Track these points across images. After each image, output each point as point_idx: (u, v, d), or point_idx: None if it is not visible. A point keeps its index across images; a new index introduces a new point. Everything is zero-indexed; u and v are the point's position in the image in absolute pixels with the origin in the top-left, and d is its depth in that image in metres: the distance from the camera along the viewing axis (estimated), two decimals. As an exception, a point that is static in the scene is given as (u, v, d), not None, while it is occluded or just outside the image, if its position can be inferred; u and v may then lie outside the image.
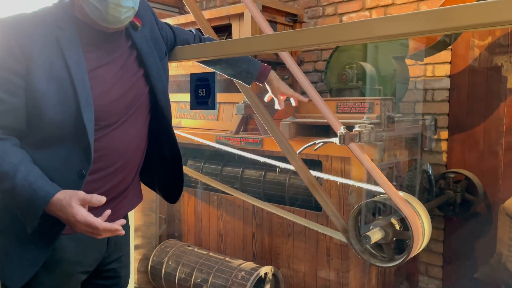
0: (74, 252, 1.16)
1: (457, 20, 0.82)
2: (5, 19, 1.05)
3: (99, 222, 0.99)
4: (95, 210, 1.03)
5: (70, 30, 1.08)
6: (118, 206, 1.22)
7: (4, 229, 1.12)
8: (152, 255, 2.80)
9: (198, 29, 1.62)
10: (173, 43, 1.40)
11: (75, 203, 0.98)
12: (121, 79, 1.15)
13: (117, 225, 1.02)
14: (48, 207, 0.99)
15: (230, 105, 2.70)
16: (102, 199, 1.00)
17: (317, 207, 2.27)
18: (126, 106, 1.16)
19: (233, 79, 1.55)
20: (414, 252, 1.64)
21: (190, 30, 1.52)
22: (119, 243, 1.32)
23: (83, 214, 0.98)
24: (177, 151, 1.32)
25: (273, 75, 1.52)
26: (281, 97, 1.56)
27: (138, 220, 2.84)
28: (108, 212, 1.04)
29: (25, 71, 1.03)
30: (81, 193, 1.00)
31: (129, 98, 1.17)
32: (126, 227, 1.36)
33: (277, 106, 1.59)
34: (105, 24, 1.08)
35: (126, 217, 1.36)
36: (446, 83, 2.72)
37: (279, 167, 2.15)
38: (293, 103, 1.60)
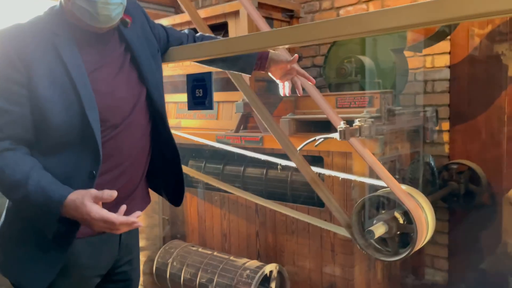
0: (89, 256, 1.17)
1: (456, 10, 0.81)
2: (1, 31, 1.06)
3: (115, 216, 1.00)
4: (111, 209, 1.04)
5: (65, 35, 1.09)
6: (127, 208, 1.22)
7: (20, 237, 1.13)
8: (157, 257, 2.80)
9: (193, 29, 1.61)
10: (166, 41, 1.39)
11: (88, 201, 0.99)
12: (121, 79, 1.16)
13: (133, 217, 1.03)
14: (63, 209, 1.00)
15: (229, 104, 2.69)
16: (114, 193, 1.00)
17: (320, 203, 2.26)
18: (128, 106, 1.17)
19: (233, 72, 1.53)
20: (418, 245, 1.63)
21: (184, 31, 1.51)
22: (130, 246, 1.33)
23: (97, 211, 0.99)
24: (175, 150, 1.32)
25: (273, 54, 1.45)
26: (287, 83, 1.48)
27: (142, 222, 2.82)
28: (124, 207, 1.05)
29: (27, 80, 1.04)
30: (93, 191, 1.01)
31: (130, 97, 1.18)
32: (135, 229, 1.37)
33: (281, 91, 1.50)
34: (97, 24, 1.09)
35: None
36: (446, 73, 2.70)
37: (280, 164, 2.14)
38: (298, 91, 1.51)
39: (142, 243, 2.86)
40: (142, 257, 2.87)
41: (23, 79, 1.03)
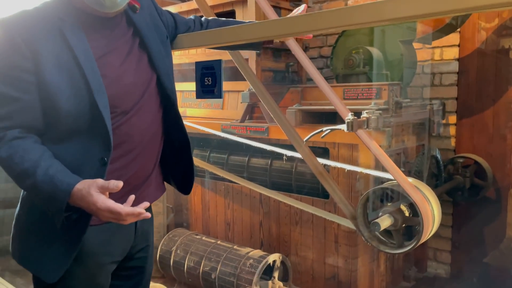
0: (104, 243, 1.17)
1: (468, 1, 0.79)
2: (8, 18, 1.05)
3: (121, 207, 0.99)
4: (120, 198, 1.04)
5: (72, 20, 1.08)
6: (141, 195, 1.22)
7: (34, 225, 1.13)
8: (161, 244, 2.82)
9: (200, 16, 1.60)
10: (174, 28, 1.39)
11: (94, 191, 0.99)
12: (130, 65, 1.15)
13: (140, 208, 1.02)
14: (71, 199, 1.00)
15: (235, 94, 2.68)
16: (119, 184, 0.99)
17: (325, 195, 2.25)
18: (138, 91, 1.16)
19: (242, 49, 1.53)
20: (424, 238, 1.63)
21: (190, 17, 1.51)
22: (146, 233, 1.33)
23: (103, 201, 0.99)
24: (186, 138, 1.32)
25: None
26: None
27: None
28: (132, 197, 1.04)
29: (34, 67, 1.03)
30: (99, 181, 1.00)
31: (140, 83, 1.17)
32: (150, 217, 1.37)
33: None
34: (103, 9, 1.07)
35: (150, 208, 1.36)
36: (455, 66, 2.67)
37: (285, 155, 2.13)
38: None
39: (146, 230, 2.88)
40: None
41: (30, 66, 1.03)
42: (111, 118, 1.08)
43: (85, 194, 0.99)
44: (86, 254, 1.14)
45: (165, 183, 1.38)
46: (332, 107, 1.67)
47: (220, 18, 1.54)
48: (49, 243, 1.11)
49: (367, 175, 1.98)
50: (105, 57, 1.11)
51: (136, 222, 1.23)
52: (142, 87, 1.17)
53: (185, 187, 1.38)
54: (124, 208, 1.00)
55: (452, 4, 0.78)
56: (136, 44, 1.19)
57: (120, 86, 1.12)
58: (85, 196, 0.99)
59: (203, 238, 2.74)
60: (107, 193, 1.01)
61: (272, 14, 1.66)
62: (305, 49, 2.95)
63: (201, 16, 1.54)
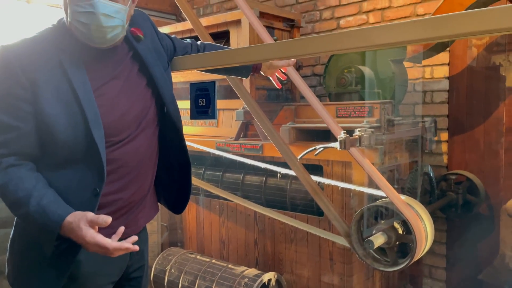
0: (101, 263, 1.18)
1: (453, 28, 0.83)
2: (7, 47, 1.07)
3: (109, 242, 1.01)
4: (114, 220, 1.05)
5: (71, 50, 1.10)
6: (138, 216, 1.24)
7: (26, 249, 1.15)
8: (155, 264, 2.80)
9: (194, 37, 1.63)
10: (173, 52, 1.41)
11: (83, 225, 1.00)
12: (127, 93, 1.17)
13: (128, 243, 1.03)
14: (61, 230, 1.02)
15: (229, 112, 2.70)
16: (108, 219, 1.00)
17: (319, 212, 2.26)
18: (135, 120, 1.17)
19: (231, 76, 1.59)
20: (417, 256, 1.64)
21: (186, 39, 1.54)
22: (141, 252, 1.34)
23: (92, 235, 1.00)
24: (187, 160, 1.34)
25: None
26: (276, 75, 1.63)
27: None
28: (121, 229, 1.05)
29: (32, 97, 1.04)
30: (89, 215, 1.01)
31: (137, 110, 1.18)
32: (144, 236, 1.38)
33: (276, 84, 1.67)
34: (94, 45, 1.09)
35: (144, 227, 1.37)
36: (445, 84, 2.73)
37: (280, 172, 2.15)
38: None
39: (140, 249, 2.85)
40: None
41: (28, 96, 1.04)
42: (107, 146, 1.09)
43: (74, 227, 1.00)
44: (84, 276, 1.15)
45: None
46: (326, 125, 1.69)
47: (215, 44, 1.58)
48: (40, 268, 1.11)
49: (361, 192, 2.00)
50: (103, 87, 1.12)
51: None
52: (140, 115, 1.19)
53: (178, 207, 1.39)
54: (112, 243, 1.01)
55: (435, 32, 0.81)
56: (135, 70, 1.20)
57: (116, 116, 1.13)
58: (75, 230, 1.00)
59: (198, 257, 2.73)
60: (96, 227, 1.02)
61: (265, 35, 1.70)
62: (299, 67, 2.99)
63: (196, 39, 1.58)
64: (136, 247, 1.05)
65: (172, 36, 1.46)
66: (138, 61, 1.21)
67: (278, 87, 1.66)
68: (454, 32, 0.82)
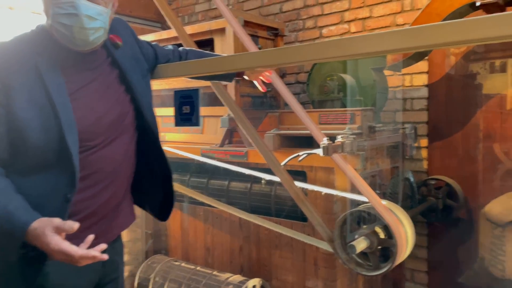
0: (69, 275, 1.14)
1: (430, 38, 0.86)
2: None
3: (75, 249, 0.97)
4: (88, 228, 1.03)
5: (48, 55, 1.08)
6: (112, 224, 1.21)
7: None
8: (139, 272, 2.77)
9: (179, 45, 1.65)
10: (154, 59, 1.40)
11: (49, 231, 0.96)
12: (104, 98, 1.15)
13: (95, 251, 0.99)
14: (26, 237, 0.98)
15: (214, 119, 2.72)
16: (75, 225, 0.96)
17: (303, 218, 2.29)
18: (111, 125, 1.16)
19: (215, 81, 1.60)
20: (398, 260, 1.68)
21: (167, 46, 1.53)
22: (115, 263, 1.30)
23: (57, 242, 0.96)
24: (167, 167, 1.32)
25: None
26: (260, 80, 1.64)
27: (124, 237, 2.80)
28: (91, 237, 1.01)
29: (6, 100, 1.03)
30: (55, 221, 0.97)
31: (114, 116, 1.16)
32: (119, 246, 1.35)
33: (261, 88, 1.68)
34: (75, 48, 1.08)
35: (120, 237, 1.34)
36: (424, 92, 2.80)
37: (264, 179, 2.17)
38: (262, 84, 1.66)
39: (124, 257, 2.82)
40: (124, 272, 2.83)
41: (2, 99, 1.02)
42: (81, 151, 1.07)
43: (39, 233, 0.96)
44: None
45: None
46: (309, 131, 1.73)
47: (197, 50, 1.59)
48: (5, 279, 1.08)
49: (344, 198, 2.04)
50: (80, 91, 1.11)
51: (104, 251, 1.18)
52: (117, 121, 1.17)
53: (163, 214, 1.38)
54: (78, 251, 0.97)
55: (413, 41, 0.85)
56: (114, 76, 1.19)
57: (91, 121, 1.11)
58: (40, 236, 0.96)
59: (182, 264, 2.72)
60: (63, 234, 0.98)
61: (249, 43, 1.73)
62: (283, 75, 3.04)
63: (179, 46, 1.59)
64: (105, 256, 1.01)
65: (154, 43, 1.45)
66: (116, 67, 1.20)
67: (263, 91, 1.67)
68: (430, 42, 0.86)
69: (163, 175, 1.33)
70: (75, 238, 0.99)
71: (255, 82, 1.65)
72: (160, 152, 1.30)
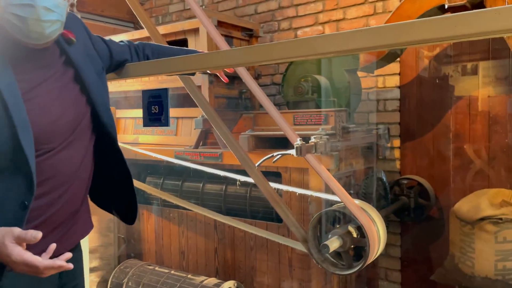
0: (25, 286, 1.08)
1: (399, 37, 0.87)
2: None
3: (39, 260, 0.91)
4: (44, 237, 0.96)
5: None
6: (70, 231, 1.15)
7: None
8: (111, 277, 2.71)
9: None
10: (108, 58, 1.32)
11: (9, 242, 0.90)
12: (59, 98, 1.08)
13: (61, 261, 0.94)
14: None
15: (188, 120, 2.69)
16: (38, 235, 0.91)
17: (279, 219, 2.28)
18: (68, 126, 1.10)
19: (187, 82, 1.59)
20: (371, 259, 1.69)
21: (122, 41, 1.44)
22: (73, 272, 1.21)
23: (19, 253, 0.90)
24: (126, 170, 1.26)
25: None
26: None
27: (95, 241, 2.74)
28: (53, 246, 0.96)
29: None
30: (16, 230, 0.92)
31: (71, 117, 1.10)
32: (79, 254, 1.29)
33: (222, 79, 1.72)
34: (29, 41, 1.01)
35: (78, 245, 1.29)
36: (397, 93, 2.85)
37: (239, 180, 2.15)
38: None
39: (95, 263, 2.75)
40: (96, 278, 2.76)
41: None
42: (38, 155, 1.01)
43: None
44: None
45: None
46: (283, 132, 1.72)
47: (154, 44, 1.50)
48: None
49: (319, 198, 2.04)
50: (34, 90, 1.04)
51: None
52: (74, 122, 1.11)
53: (128, 218, 1.33)
54: (43, 261, 0.92)
55: (386, 39, 0.85)
56: (69, 75, 1.13)
57: (49, 122, 1.05)
58: None
59: (156, 268, 2.67)
60: (24, 244, 0.92)
61: (222, 44, 1.71)
62: (258, 76, 3.03)
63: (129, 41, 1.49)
64: (70, 265, 0.96)
65: (107, 39, 1.36)
66: (70, 66, 1.13)
67: (225, 81, 1.70)
68: (398, 40, 0.87)
69: (123, 178, 1.27)
70: (32, 247, 0.93)
71: (218, 74, 1.68)
72: (119, 154, 1.24)
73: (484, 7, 2.09)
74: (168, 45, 1.57)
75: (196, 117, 2.50)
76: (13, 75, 1.01)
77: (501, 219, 2.19)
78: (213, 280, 2.42)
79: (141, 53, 1.43)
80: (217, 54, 1.16)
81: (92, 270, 2.69)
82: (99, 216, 2.66)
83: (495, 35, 0.84)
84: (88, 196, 1.25)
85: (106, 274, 2.75)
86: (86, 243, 1.82)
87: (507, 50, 2.44)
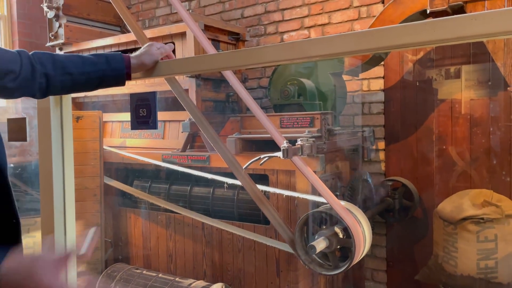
0: None
1: (383, 41, 0.91)
2: None
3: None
4: None
5: None
6: None
7: None
8: (98, 282, 2.68)
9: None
10: None
11: None
12: None
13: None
14: None
15: (175, 123, 2.69)
16: None
17: (266, 221, 2.30)
18: None
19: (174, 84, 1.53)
20: (356, 259, 1.72)
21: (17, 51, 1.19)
22: None
23: None
24: (4, 182, 1.02)
25: (134, 59, 1.27)
26: None
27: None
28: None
29: None
30: None
31: None
32: None
33: None
34: None
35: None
36: (381, 96, 2.91)
37: (226, 183, 2.17)
38: None
39: (82, 267, 2.73)
40: (82, 283, 2.73)
41: None
42: None
43: None
44: None
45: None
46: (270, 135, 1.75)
47: (58, 54, 1.24)
48: None
49: (305, 200, 2.07)
50: None
51: None
52: None
53: (10, 238, 1.05)
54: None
55: (370, 43, 0.89)
56: None
57: None
58: None
59: (144, 272, 2.66)
60: None
61: (209, 47, 1.73)
62: (244, 80, 3.06)
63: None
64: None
65: None
66: None
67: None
68: (379, 45, 0.90)
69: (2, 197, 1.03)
70: None
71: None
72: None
73: (464, 12, 2.16)
74: (77, 54, 1.30)
75: (184, 120, 2.51)
76: None
77: (482, 219, 2.25)
78: (201, 283, 2.43)
79: (39, 67, 1.16)
80: (204, 58, 1.18)
81: (79, 274, 2.66)
82: (85, 220, 2.64)
83: (472, 40, 0.88)
84: None
85: (93, 279, 2.73)
86: (73, 248, 1.79)
87: (488, 54, 2.51)
